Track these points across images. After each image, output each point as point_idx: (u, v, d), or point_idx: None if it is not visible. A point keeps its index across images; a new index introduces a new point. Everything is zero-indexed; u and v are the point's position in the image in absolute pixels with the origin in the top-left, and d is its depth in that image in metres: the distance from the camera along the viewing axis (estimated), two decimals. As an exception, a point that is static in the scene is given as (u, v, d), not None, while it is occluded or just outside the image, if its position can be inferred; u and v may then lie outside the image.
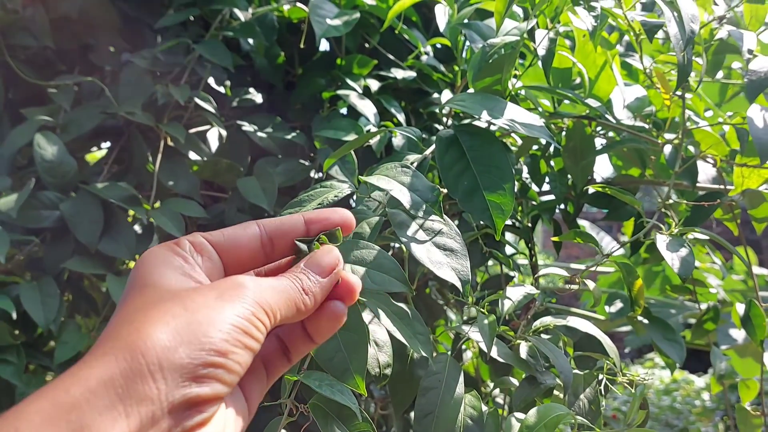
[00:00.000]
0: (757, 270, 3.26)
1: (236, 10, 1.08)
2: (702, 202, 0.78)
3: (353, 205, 0.97)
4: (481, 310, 0.67)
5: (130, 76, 1.03)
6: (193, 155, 1.03)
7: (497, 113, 0.66)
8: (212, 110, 1.03)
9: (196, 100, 1.03)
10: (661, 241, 0.66)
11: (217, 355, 0.30)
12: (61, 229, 0.94)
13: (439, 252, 0.55)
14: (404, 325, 0.54)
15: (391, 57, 1.19)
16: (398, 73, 1.15)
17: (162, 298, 0.32)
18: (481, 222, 0.71)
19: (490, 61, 0.73)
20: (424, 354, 0.54)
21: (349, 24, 1.03)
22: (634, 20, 0.69)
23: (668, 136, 0.86)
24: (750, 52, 0.70)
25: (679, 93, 0.74)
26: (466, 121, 0.77)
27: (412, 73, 1.16)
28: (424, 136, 1.18)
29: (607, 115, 0.75)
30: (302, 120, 1.19)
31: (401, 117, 1.12)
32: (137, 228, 0.97)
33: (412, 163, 0.69)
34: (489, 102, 0.67)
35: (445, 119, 1.16)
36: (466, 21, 0.83)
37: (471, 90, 0.77)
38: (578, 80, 0.97)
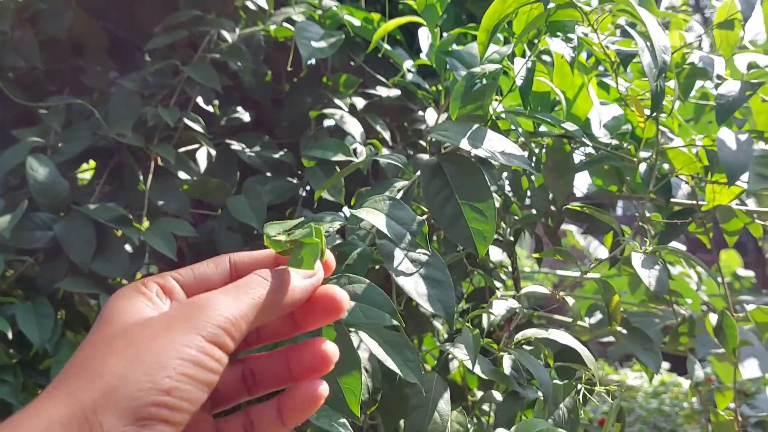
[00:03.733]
0: (742, 272, 3.30)
1: (223, 32, 1.10)
2: (675, 220, 0.82)
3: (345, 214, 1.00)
4: (466, 324, 0.70)
5: (119, 97, 1.05)
6: (183, 175, 1.05)
7: (478, 142, 0.69)
8: (201, 130, 1.05)
9: (186, 120, 1.05)
10: (637, 258, 0.69)
11: (160, 393, 0.28)
12: (55, 249, 0.96)
13: (426, 284, 0.58)
14: (395, 353, 0.57)
15: (377, 75, 1.22)
16: (383, 92, 1.18)
17: (113, 335, 0.31)
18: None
19: (473, 90, 0.76)
20: (414, 381, 0.57)
21: (335, 46, 1.05)
22: (609, 49, 0.72)
23: (643, 154, 0.90)
24: (719, 77, 0.73)
25: (653, 116, 0.77)
26: (448, 145, 0.79)
27: (397, 91, 1.18)
28: (409, 152, 1.22)
29: (584, 139, 0.78)
30: (290, 137, 1.22)
31: (387, 134, 1.15)
32: (129, 247, 0.99)
33: (399, 190, 0.72)
34: (470, 131, 0.70)
35: (429, 137, 1.19)
36: (448, 48, 0.86)
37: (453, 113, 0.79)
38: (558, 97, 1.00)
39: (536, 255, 0.86)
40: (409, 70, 1.21)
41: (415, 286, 0.58)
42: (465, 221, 0.66)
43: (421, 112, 1.23)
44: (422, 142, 1.21)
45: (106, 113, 1.06)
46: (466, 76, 0.77)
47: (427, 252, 0.61)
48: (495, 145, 0.69)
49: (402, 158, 0.76)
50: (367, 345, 0.56)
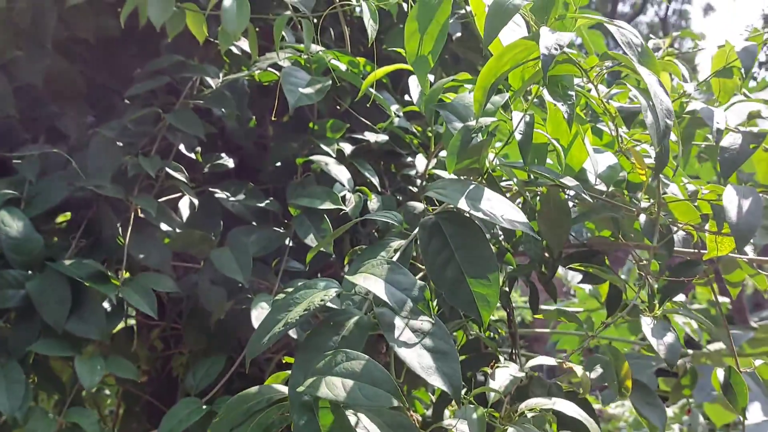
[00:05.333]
0: (720, 298, 3.31)
1: (207, 78, 1.07)
2: (679, 277, 0.79)
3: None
4: (469, 399, 0.66)
5: (98, 146, 1.01)
6: (164, 226, 1.01)
7: (476, 202, 0.66)
8: (184, 179, 1.01)
9: (167, 169, 1.01)
10: (646, 325, 0.66)
11: None
12: (27, 308, 0.90)
13: (429, 356, 0.54)
14: (396, 438, 0.53)
15: (364, 120, 1.19)
16: (371, 137, 1.15)
17: None
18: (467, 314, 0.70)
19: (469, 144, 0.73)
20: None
21: (322, 92, 1.03)
22: (609, 103, 0.70)
23: (642, 203, 0.87)
24: (719, 131, 0.71)
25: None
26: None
27: (385, 137, 1.16)
28: (399, 197, 1.18)
29: (583, 194, 0.76)
30: (275, 182, 1.18)
31: (375, 180, 1.12)
32: (107, 305, 0.94)
33: (396, 251, 0.69)
34: (467, 189, 0.67)
35: (419, 181, 1.16)
36: (441, 101, 0.83)
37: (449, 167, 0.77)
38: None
39: (539, 316, 0.82)
40: (396, 115, 1.18)
41: (418, 359, 0.54)
42: (467, 285, 0.63)
43: (409, 158, 1.20)
44: (412, 188, 1.18)
45: (84, 162, 1.02)
46: (461, 130, 0.74)
47: (430, 320, 0.57)
48: (495, 206, 0.66)
49: (397, 216, 0.73)
50: (366, 428, 0.52)
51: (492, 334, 0.96)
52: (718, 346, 1.58)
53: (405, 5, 1.14)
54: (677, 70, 0.81)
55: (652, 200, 0.84)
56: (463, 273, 0.64)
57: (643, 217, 0.84)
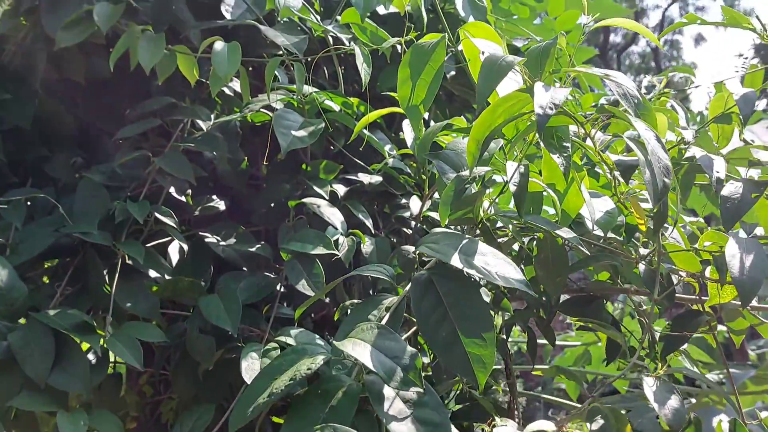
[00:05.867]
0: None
1: (198, 121, 1.06)
2: (681, 329, 0.77)
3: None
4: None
5: (85, 191, 0.99)
6: (152, 272, 0.98)
7: (470, 257, 0.64)
8: (173, 224, 0.99)
9: (156, 214, 0.99)
10: (648, 387, 0.64)
11: None
12: (9, 361, 0.87)
13: (422, 429, 0.51)
14: None
15: (357, 160, 1.17)
16: (365, 179, 1.14)
17: None
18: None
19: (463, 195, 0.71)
20: None
21: (314, 135, 1.01)
22: (605, 154, 0.68)
23: (641, 250, 0.85)
24: (719, 181, 0.70)
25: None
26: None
27: (379, 178, 1.14)
28: (393, 239, 1.16)
29: (580, 246, 0.74)
30: (267, 223, 1.16)
31: (369, 222, 1.10)
32: (92, 356, 0.91)
33: (387, 308, 0.66)
34: (461, 244, 0.65)
35: (413, 223, 1.15)
36: (434, 144, 0.82)
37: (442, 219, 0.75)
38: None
39: (537, 372, 0.80)
40: (390, 155, 1.17)
41: (409, 432, 0.52)
42: (462, 346, 0.61)
43: (404, 198, 1.18)
44: (406, 230, 1.16)
45: (71, 206, 1.00)
46: (455, 180, 0.73)
47: (421, 389, 0.54)
48: (490, 261, 0.64)
49: (389, 271, 0.70)
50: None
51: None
52: (717, 377, 1.56)
53: (399, 47, 1.14)
54: (675, 116, 0.80)
55: (651, 246, 0.82)
56: (458, 333, 0.61)
57: (642, 265, 0.82)
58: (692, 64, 16.19)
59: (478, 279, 0.73)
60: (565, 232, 0.75)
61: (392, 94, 1.06)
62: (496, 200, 0.78)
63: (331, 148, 1.22)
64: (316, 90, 1.11)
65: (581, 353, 1.95)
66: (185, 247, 1.02)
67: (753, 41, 11.54)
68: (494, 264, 0.64)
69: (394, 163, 1.16)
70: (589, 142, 0.70)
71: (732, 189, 0.70)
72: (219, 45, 0.94)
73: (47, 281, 1.01)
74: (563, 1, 1.39)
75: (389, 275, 0.70)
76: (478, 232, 0.78)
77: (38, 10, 1.07)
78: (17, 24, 1.09)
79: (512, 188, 0.69)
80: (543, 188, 0.76)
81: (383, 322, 0.66)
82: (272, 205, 1.14)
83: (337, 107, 1.14)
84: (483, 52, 0.74)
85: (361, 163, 1.18)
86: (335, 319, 0.89)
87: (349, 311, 0.75)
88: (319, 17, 1.30)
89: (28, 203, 1.01)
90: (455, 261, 0.63)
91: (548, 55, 0.63)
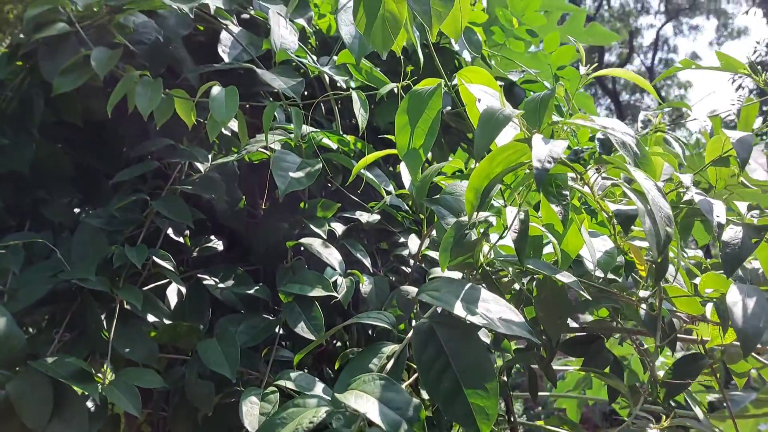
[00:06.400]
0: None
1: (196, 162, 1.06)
2: (683, 373, 0.76)
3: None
4: None
5: (83, 235, 0.99)
6: (151, 317, 0.98)
7: (472, 305, 0.63)
8: (171, 268, 0.99)
9: (154, 258, 0.98)
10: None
11: None
12: (7, 410, 0.86)
13: (426, 490, 0.51)
14: None
15: (355, 198, 1.17)
16: (363, 217, 1.14)
17: None
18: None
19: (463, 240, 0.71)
20: None
21: (312, 176, 1.01)
22: (605, 201, 0.68)
23: (642, 293, 0.85)
24: (720, 226, 0.70)
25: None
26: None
27: (377, 217, 1.14)
28: (391, 278, 1.16)
29: (581, 291, 0.73)
30: (265, 263, 1.16)
31: (367, 261, 1.10)
32: (90, 404, 0.90)
33: (388, 357, 0.66)
34: (462, 291, 0.65)
35: (412, 262, 1.14)
36: (432, 190, 0.82)
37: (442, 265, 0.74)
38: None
39: (540, 422, 0.79)
40: (387, 191, 1.17)
41: (413, 492, 0.51)
42: (464, 396, 0.60)
43: (402, 237, 1.18)
44: (404, 268, 1.16)
45: (69, 250, 1.00)
46: (454, 226, 0.73)
47: (425, 445, 0.54)
48: (492, 308, 0.64)
49: (389, 318, 0.70)
50: None
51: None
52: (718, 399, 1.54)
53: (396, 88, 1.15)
54: (673, 160, 0.81)
55: (651, 288, 0.82)
56: (460, 383, 0.61)
57: (643, 308, 0.82)
58: (687, 83, 16.32)
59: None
60: (566, 277, 0.75)
61: (390, 137, 1.07)
62: (496, 244, 0.78)
63: (329, 185, 1.22)
64: (314, 129, 1.12)
65: (582, 377, 1.94)
66: (183, 290, 1.01)
67: (747, 58, 11.65)
68: (496, 311, 0.64)
69: (391, 200, 1.16)
70: (587, 188, 0.70)
71: (732, 234, 0.70)
72: (216, 90, 0.94)
73: (45, 327, 1.00)
74: (558, 35, 1.40)
75: (389, 323, 0.70)
76: (477, 277, 0.77)
77: (35, 54, 1.08)
78: (15, 68, 1.10)
79: (512, 235, 0.69)
80: (543, 232, 0.76)
81: (385, 371, 0.66)
82: (269, 247, 1.14)
83: (334, 145, 1.15)
84: (479, 100, 0.75)
85: (359, 201, 1.18)
86: (336, 360, 0.89)
87: (349, 359, 0.74)
88: (315, 55, 1.31)
89: (26, 247, 1.01)
90: (458, 310, 0.63)
91: (546, 107, 0.63)
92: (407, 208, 1.19)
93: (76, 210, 1.19)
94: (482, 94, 0.76)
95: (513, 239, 0.69)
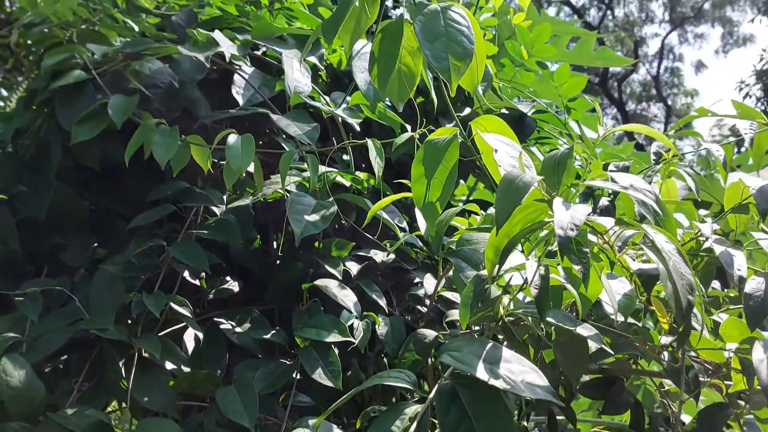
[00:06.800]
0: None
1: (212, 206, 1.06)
2: (709, 424, 0.76)
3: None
4: None
5: (101, 283, 0.99)
6: (169, 364, 0.98)
7: (495, 366, 0.63)
8: (188, 314, 0.99)
9: (172, 304, 0.99)
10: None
11: None
12: (28, 463, 0.87)
13: None
14: None
15: (370, 237, 1.17)
16: (377, 256, 1.14)
17: None
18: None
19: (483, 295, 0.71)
20: None
21: (327, 219, 1.01)
22: (622, 258, 0.68)
23: (663, 339, 0.84)
24: (741, 279, 0.70)
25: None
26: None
27: (392, 256, 1.14)
28: (407, 317, 1.16)
29: (603, 346, 0.73)
30: (280, 303, 1.16)
31: (382, 302, 1.10)
32: (110, 455, 0.90)
33: (411, 419, 0.66)
34: (484, 351, 0.65)
35: (428, 301, 1.14)
36: (451, 248, 0.82)
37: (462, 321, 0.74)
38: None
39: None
40: (401, 228, 1.17)
41: None
42: (488, 463, 0.60)
43: (417, 276, 1.18)
44: (420, 307, 1.16)
45: (87, 296, 1.00)
46: (474, 280, 0.73)
47: None
48: (514, 369, 0.63)
49: (411, 378, 0.70)
50: None
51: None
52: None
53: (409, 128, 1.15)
54: (693, 211, 0.80)
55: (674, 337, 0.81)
56: (485, 449, 0.61)
57: (665, 355, 0.81)
58: (693, 91, 16.28)
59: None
60: (586, 330, 0.74)
61: (405, 181, 1.07)
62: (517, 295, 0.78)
63: (343, 223, 1.22)
64: (328, 169, 1.12)
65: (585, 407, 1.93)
66: (200, 335, 1.01)
67: (754, 67, 11.62)
68: (519, 372, 0.64)
69: (407, 237, 1.16)
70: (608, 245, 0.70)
71: (755, 286, 0.70)
72: (233, 138, 0.95)
73: (63, 376, 1.00)
74: (568, 67, 1.41)
75: (411, 382, 0.70)
76: (498, 329, 0.77)
77: (53, 100, 1.09)
78: (32, 113, 1.11)
79: (533, 291, 0.69)
80: (561, 282, 0.76)
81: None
82: (285, 284, 1.14)
83: (347, 183, 1.15)
84: (496, 150, 0.75)
85: (373, 239, 1.18)
86: (356, 411, 0.88)
87: (371, 417, 0.74)
88: (327, 90, 1.32)
89: (44, 294, 1.01)
90: (480, 373, 0.63)
91: (564, 167, 0.63)
92: (421, 245, 1.19)
93: (95, 246, 1.20)
94: (498, 144, 0.76)
95: (534, 296, 0.69)
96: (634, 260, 0.71)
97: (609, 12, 15.33)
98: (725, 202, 0.83)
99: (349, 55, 0.91)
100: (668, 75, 15.78)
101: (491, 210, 1.01)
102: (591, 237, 0.69)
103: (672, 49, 16.09)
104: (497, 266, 0.65)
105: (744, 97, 11.28)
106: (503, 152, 0.75)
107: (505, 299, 0.78)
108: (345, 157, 1.25)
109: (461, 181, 1.73)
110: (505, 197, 0.58)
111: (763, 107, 11.13)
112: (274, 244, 1.30)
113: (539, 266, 0.71)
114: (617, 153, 1.77)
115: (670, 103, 15.40)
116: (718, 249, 0.73)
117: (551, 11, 14.74)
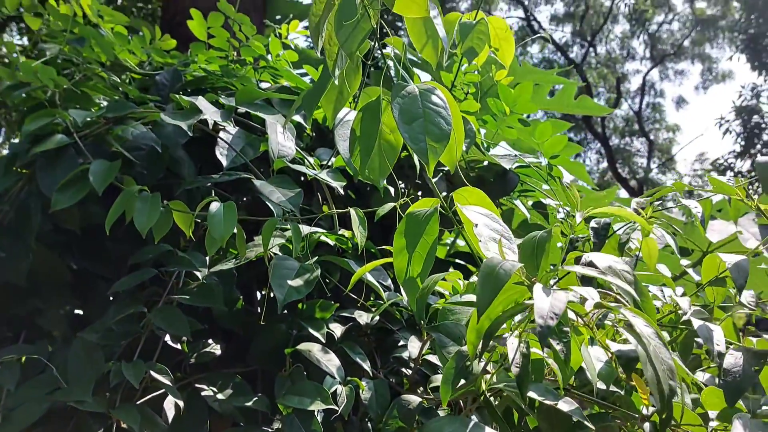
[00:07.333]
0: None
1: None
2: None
3: None
4: None
5: (80, 352, 0.98)
6: (148, 433, 0.96)
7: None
8: (169, 383, 0.98)
9: (152, 372, 0.97)
10: None
11: None
12: None
13: None
14: None
15: (354, 297, 1.17)
16: (362, 318, 1.13)
17: None
18: None
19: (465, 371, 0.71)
20: None
21: (311, 283, 1.01)
22: (602, 338, 0.68)
23: (644, 409, 0.84)
24: (720, 355, 0.70)
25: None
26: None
27: (376, 318, 1.14)
28: (391, 380, 1.15)
29: (584, 420, 0.73)
30: (263, 364, 1.15)
31: (366, 365, 1.09)
32: None
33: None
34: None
35: (412, 365, 1.13)
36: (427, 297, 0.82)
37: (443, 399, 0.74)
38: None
39: None
40: (385, 288, 1.17)
41: None
42: None
43: (401, 339, 1.17)
44: (405, 370, 1.15)
45: (65, 363, 0.98)
46: (455, 356, 0.72)
47: None
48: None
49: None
50: None
51: None
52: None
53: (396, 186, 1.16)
54: (671, 282, 0.81)
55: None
56: None
57: (648, 426, 0.81)
58: (675, 126, 16.53)
59: None
60: (567, 404, 0.74)
61: (389, 248, 1.07)
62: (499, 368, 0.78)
63: (327, 280, 1.22)
64: (312, 229, 1.12)
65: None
66: (181, 404, 1.00)
67: (733, 103, 11.84)
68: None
69: (389, 296, 1.15)
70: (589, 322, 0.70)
71: (732, 361, 0.70)
72: (215, 206, 0.95)
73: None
74: (550, 125, 1.43)
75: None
76: (480, 405, 0.77)
77: (34, 163, 1.08)
78: (13, 179, 1.10)
79: (514, 370, 0.69)
80: (543, 357, 0.76)
81: None
82: (268, 347, 1.13)
83: (331, 242, 1.15)
84: (476, 225, 0.76)
85: (357, 299, 1.18)
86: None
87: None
88: (311, 145, 1.33)
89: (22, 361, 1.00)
90: (461, 459, 0.62)
91: (543, 250, 0.64)
92: (406, 305, 1.19)
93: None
94: (479, 218, 0.76)
95: (515, 374, 0.69)
96: (614, 340, 0.71)
97: (591, 49, 15.63)
98: (702, 275, 0.84)
99: (332, 124, 0.92)
100: (650, 110, 16.04)
101: (474, 278, 1.01)
102: (571, 314, 0.70)
103: (653, 85, 16.38)
104: (479, 349, 0.65)
105: (724, 133, 11.46)
106: (483, 226, 0.75)
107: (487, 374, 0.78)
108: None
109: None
110: (486, 285, 0.58)
111: (742, 143, 11.31)
112: (258, 302, 1.30)
113: (520, 344, 0.71)
114: (600, 199, 1.79)
115: (652, 137, 15.63)
116: (697, 323, 0.73)
117: (535, 48, 15.00)
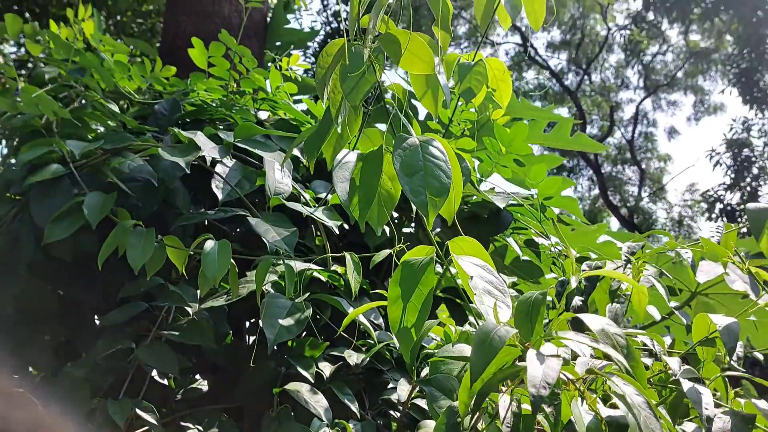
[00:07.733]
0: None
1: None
2: None
3: None
4: None
5: (65, 385, 0.97)
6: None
7: None
8: (154, 421, 0.96)
9: (138, 410, 0.96)
10: None
11: None
12: None
13: None
14: None
15: (345, 335, 1.17)
16: (351, 359, 1.12)
17: None
18: None
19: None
20: None
21: (302, 323, 1.01)
22: (593, 403, 0.68)
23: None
24: (709, 420, 0.70)
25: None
26: None
27: (366, 359, 1.13)
28: (379, 422, 1.14)
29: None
30: (250, 402, 1.14)
31: (354, 407, 1.08)
32: None
33: None
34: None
35: (401, 407, 1.13)
36: (425, 376, 0.82)
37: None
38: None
39: None
40: (376, 327, 1.16)
41: None
42: None
43: (390, 381, 1.16)
44: (393, 412, 1.14)
45: (48, 397, 0.97)
46: (446, 412, 0.72)
47: None
48: None
49: None
50: None
51: None
52: None
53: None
54: (660, 340, 0.82)
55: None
56: None
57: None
58: (666, 156, 16.66)
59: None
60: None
61: (383, 291, 1.07)
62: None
63: (318, 317, 1.21)
64: (306, 265, 1.12)
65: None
66: (167, 442, 0.99)
67: (724, 135, 11.97)
68: None
69: (380, 335, 1.15)
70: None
71: (721, 425, 0.70)
72: (209, 244, 0.94)
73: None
74: (545, 167, 1.43)
75: None
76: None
77: (27, 192, 1.08)
78: (5, 206, 1.09)
79: (505, 430, 0.69)
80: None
81: None
82: (256, 385, 1.12)
83: (324, 278, 1.15)
84: (471, 277, 0.76)
85: (348, 337, 1.17)
86: None
87: None
88: (308, 179, 1.33)
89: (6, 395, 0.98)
90: None
91: (538, 313, 0.64)
92: (396, 344, 1.18)
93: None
94: (474, 269, 0.77)
95: (506, 434, 0.69)
96: (604, 405, 0.71)
97: (586, 77, 15.78)
98: (693, 335, 0.84)
99: (331, 167, 0.92)
100: (642, 139, 16.16)
101: (467, 327, 1.01)
102: (562, 376, 0.69)
103: (646, 114, 16.53)
104: (471, 408, 0.65)
105: (714, 165, 11.56)
106: (478, 278, 0.76)
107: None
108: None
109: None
110: (481, 351, 0.58)
111: (732, 176, 11.41)
112: (247, 337, 1.29)
113: (512, 401, 0.70)
114: (590, 233, 1.79)
115: (644, 166, 15.74)
116: (686, 385, 0.73)
117: (531, 74, 15.13)
